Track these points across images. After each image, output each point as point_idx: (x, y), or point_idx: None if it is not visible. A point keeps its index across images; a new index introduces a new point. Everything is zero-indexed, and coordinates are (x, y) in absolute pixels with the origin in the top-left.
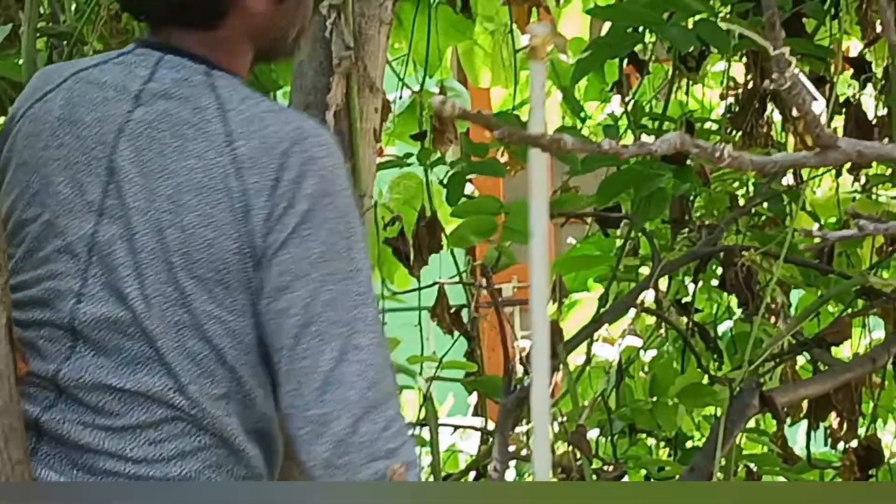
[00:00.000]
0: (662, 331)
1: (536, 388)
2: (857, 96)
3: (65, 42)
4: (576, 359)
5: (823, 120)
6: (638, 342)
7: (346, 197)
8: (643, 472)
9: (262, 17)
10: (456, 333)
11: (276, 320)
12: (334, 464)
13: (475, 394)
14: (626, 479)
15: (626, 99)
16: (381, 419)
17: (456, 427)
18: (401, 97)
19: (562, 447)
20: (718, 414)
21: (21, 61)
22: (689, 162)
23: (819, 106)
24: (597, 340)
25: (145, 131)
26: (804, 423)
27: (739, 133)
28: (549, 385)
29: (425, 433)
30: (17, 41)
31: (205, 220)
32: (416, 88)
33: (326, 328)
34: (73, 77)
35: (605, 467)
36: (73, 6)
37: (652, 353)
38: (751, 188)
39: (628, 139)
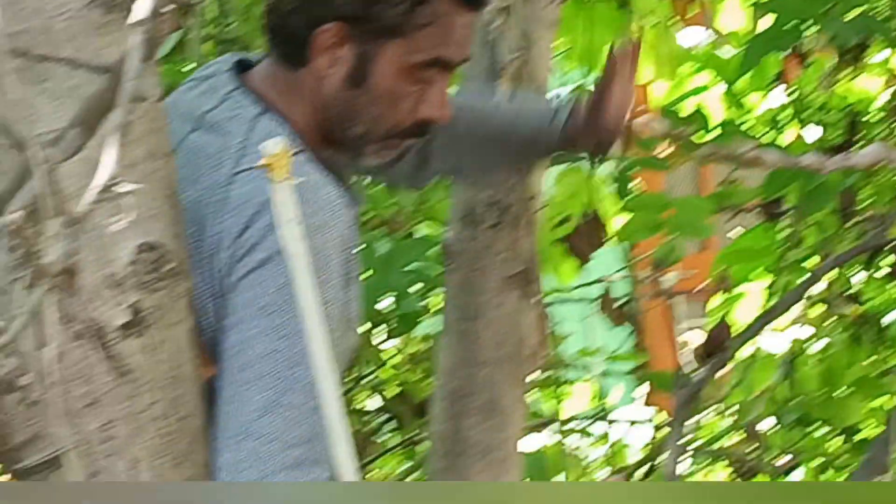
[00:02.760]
0: (832, 321)
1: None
2: None
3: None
4: (743, 351)
5: None
6: (806, 333)
7: (318, 258)
8: (816, 462)
9: (329, 89)
10: (621, 326)
11: (220, 361)
12: None
13: (643, 386)
14: (799, 469)
15: (788, 91)
16: (298, 481)
17: (628, 421)
18: (559, 94)
19: (734, 437)
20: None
21: (188, 69)
22: None
23: None
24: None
25: (185, 155)
26: None
27: None
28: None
29: (596, 427)
30: (184, 49)
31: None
32: (576, 84)
33: (257, 378)
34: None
35: (778, 458)
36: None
37: (821, 343)
38: None
39: (791, 131)
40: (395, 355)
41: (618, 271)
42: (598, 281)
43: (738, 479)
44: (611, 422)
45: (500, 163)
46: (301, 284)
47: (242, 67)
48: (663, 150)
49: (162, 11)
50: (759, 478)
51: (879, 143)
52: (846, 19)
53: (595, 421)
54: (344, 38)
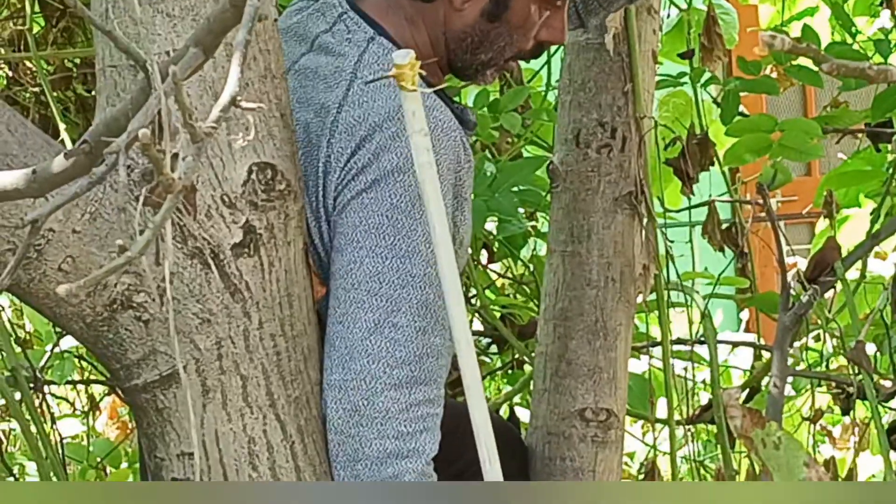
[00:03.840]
0: None
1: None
2: None
3: None
4: (849, 274)
5: None
6: None
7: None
8: None
9: (463, 21)
10: (726, 250)
11: (331, 281)
12: (346, 432)
13: (746, 310)
14: None
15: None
16: (403, 401)
17: (734, 344)
18: (668, 16)
19: (837, 361)
20: None
21: None
22: None
23: None
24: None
25: (298, 77)
26: None
27: None
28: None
29: (701, 350)
30: None
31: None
32: (684, 6)
33: (366, 298)
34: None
35: (883, 382)
36: None
37: None
38: None
39: None
40: (499, 278)
41: (723, 194)
42: (704, 203)
43: (840, 404)
44: (716, 344)
45: None
46: (429, 193)
47: None
48: (771, 72)
49: None
50: (860, 403)
51: None
52: None
53: (696, 344)
54: None
